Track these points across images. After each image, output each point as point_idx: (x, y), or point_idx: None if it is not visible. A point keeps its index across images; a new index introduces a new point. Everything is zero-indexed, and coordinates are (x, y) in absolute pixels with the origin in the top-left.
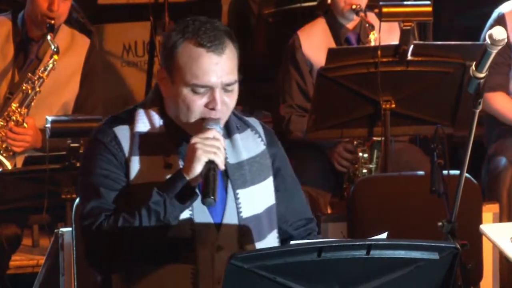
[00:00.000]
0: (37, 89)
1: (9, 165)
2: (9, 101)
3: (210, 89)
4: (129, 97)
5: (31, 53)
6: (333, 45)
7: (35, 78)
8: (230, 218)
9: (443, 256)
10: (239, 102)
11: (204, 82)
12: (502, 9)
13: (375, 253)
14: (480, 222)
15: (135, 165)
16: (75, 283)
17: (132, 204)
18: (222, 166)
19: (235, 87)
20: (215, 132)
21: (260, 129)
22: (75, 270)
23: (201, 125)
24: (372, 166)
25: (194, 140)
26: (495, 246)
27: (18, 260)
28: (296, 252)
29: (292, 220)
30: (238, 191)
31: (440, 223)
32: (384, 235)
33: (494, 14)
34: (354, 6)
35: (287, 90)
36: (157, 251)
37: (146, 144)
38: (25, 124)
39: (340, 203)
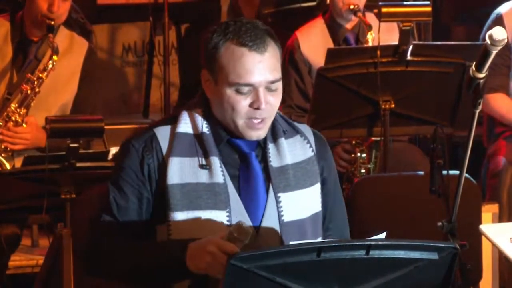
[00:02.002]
0: (37, 90)
1: (8, 166)
2: (8, 102)
3: (254, 88)
4: (128, 97)
5: (30, 54)
6: (331, 45)
7: (35, 78)
8: (270, 221)
9: (442, 256)
10: None
11: (247, 81)
12: (500, 9)
13: (374, 253)
14: (480, 222)
15: (172, 165)
16: (74, 283)
17: (161, 208)
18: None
19: (279, 86)
20: (235, 249)
21: (310, 136)
22: (74, 270)
23: (248, 124)
24: (371, 166)
25: (210, 247)
26: (494, 246)
27: (18, 260)
28: (296, 252)
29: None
30: (280, 194)
31: (439, 223)
32: (383, 235)
33: (493, 15)
34: (352, 6)
35: (286, 91)
36: None
37: (185, 144)
38: (24, 124)
39: None
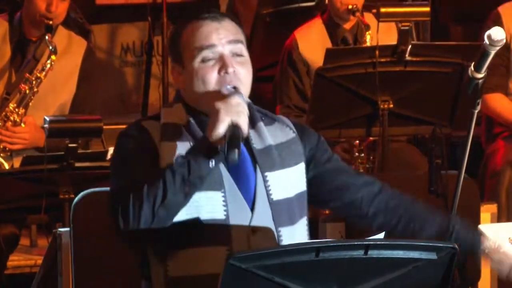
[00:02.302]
0: (35, 89)
1: (6, 166)
2: (7, 102)
3: (219, 55)
4: (127, 97)
5: (28, 54)
6: (330, 45)
7: (33, 78)
8: (261, 200)
9: (441, 256)
10: None
11: (209, 43)
12: (499, 9)
13: (373, 253)
14: (479, 222)
15: (165, 150)
16: (73, 284)
17: None
18: (245, 130)
19: (245, 53)
20: (237, 98)
21: (289, 122)
22: (73, 271)
23: (221, 97)
24: (369, 166)
25: (217, 105)
26: None
27: (16, 260)
28: (294, 252)
29: (354, 185)
30: (266, 173)
31: None
32: (381, 235)
33: (491, 15)
34: (350, 6)
35: (285, 91)
36: (192, 233)
37: (174, 132)
38: (22, 124)
39: None
